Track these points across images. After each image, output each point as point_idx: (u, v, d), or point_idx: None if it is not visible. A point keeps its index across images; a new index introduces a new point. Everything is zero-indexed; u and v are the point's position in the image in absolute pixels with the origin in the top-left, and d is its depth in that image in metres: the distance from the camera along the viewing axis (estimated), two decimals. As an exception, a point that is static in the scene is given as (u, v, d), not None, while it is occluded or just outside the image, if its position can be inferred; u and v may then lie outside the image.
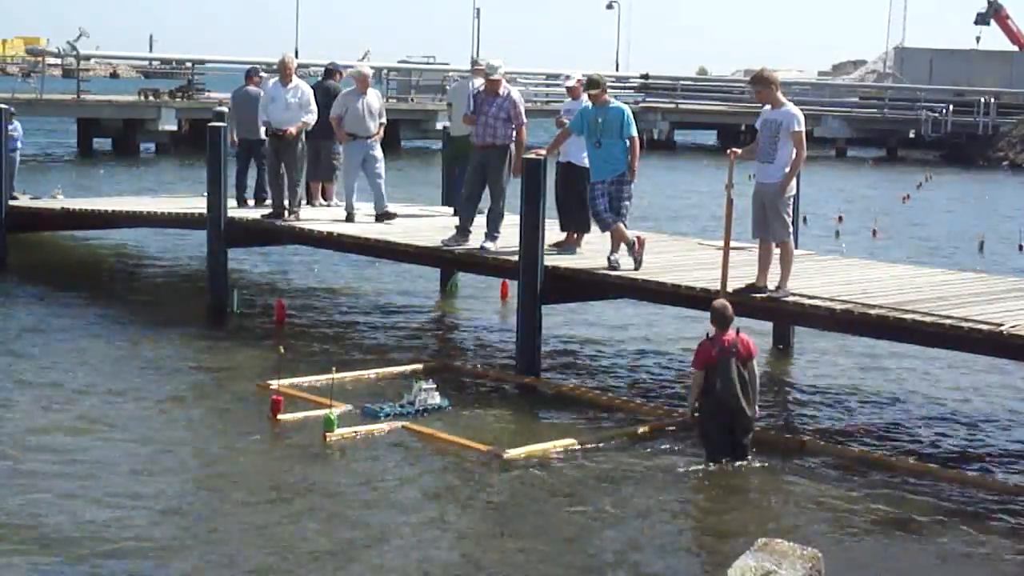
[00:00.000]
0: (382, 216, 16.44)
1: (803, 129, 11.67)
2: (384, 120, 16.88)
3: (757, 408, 10.69)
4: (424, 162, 41.15)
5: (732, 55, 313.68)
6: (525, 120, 14.49)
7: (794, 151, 11.65)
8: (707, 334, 10.57)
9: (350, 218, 16.39)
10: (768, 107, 11.84)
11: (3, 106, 19.55)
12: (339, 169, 18.49)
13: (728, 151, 12.15)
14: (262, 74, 18.87)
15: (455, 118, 16.94)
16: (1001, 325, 10.75)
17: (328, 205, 18.18)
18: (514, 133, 14.34)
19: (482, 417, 11.77)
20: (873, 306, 11.49)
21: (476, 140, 14.46)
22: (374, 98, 16.67)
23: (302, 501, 9.44)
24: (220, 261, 16.24)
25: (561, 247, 14.15)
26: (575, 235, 14.34)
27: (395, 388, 12.56)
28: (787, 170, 11.67)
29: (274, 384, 12.03)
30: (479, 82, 15.47)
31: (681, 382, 13.39)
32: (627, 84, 63.25)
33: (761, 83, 11.84)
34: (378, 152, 16.65)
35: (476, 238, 14.41)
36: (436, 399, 11.84)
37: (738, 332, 10.55)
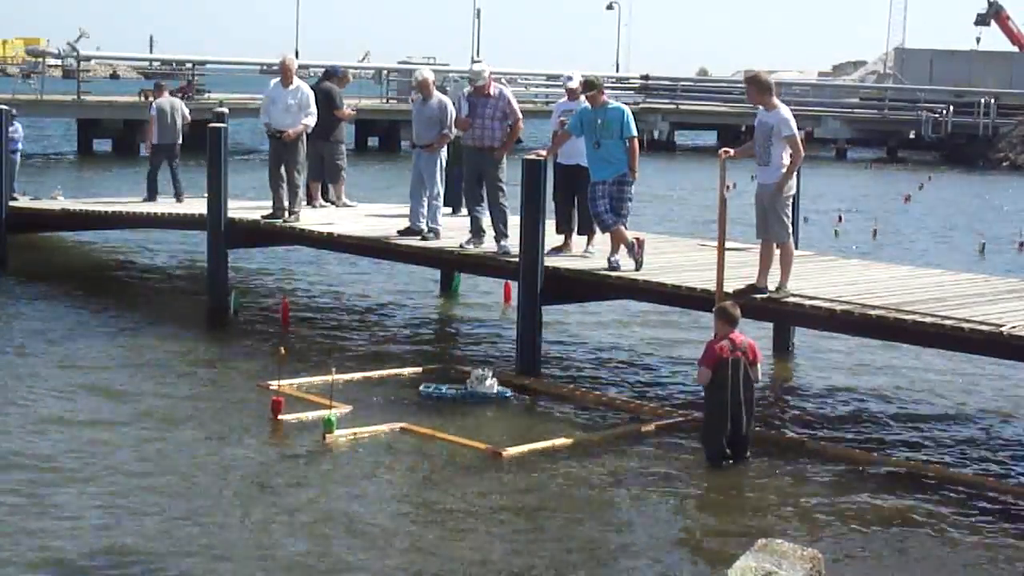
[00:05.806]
0: (430, 231, 15.10)
1: (794, 132, 11.65)
2: (448, 131, 15.15)
3: (753, 409, 10.71)
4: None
5: (732, 55, 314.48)
6: (521, 115, 14.54)
7: (787, 153, 11.65)
8: (724, 335, 10.55)
9: (411, 233, 15.15)
10: (762, 108, 11.85)
11: (3, 107, 19.56)
12: (344, 169, 18.55)
13: (720, 151, 12.15)
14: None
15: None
16: (1002, 326, 10.75)
17: (328, 205, 18.19)
18: (510, 129, 14.37)
19: (482, 417, 11.77)
20: (873, 307, 11.50)
21: (472, 142, 14.44)
22: (435, 105, 15.27)
23: (301, 502, 9.43)
24: (220, 262, 16.24)
25: (561, 251, 14.14)
26: (590, 237, 14.31)
27: (396, 389, 12.57)
28: (782, 171, 11.68)
29: (274, 385, 12.03)
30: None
31: (680, 383, 13.40)
32: (627, 85, 63.16)
33: (754, 85, 11.84)
34: (432, 166, 15.19)
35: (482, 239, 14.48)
36: (490, 386, 12.13)
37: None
